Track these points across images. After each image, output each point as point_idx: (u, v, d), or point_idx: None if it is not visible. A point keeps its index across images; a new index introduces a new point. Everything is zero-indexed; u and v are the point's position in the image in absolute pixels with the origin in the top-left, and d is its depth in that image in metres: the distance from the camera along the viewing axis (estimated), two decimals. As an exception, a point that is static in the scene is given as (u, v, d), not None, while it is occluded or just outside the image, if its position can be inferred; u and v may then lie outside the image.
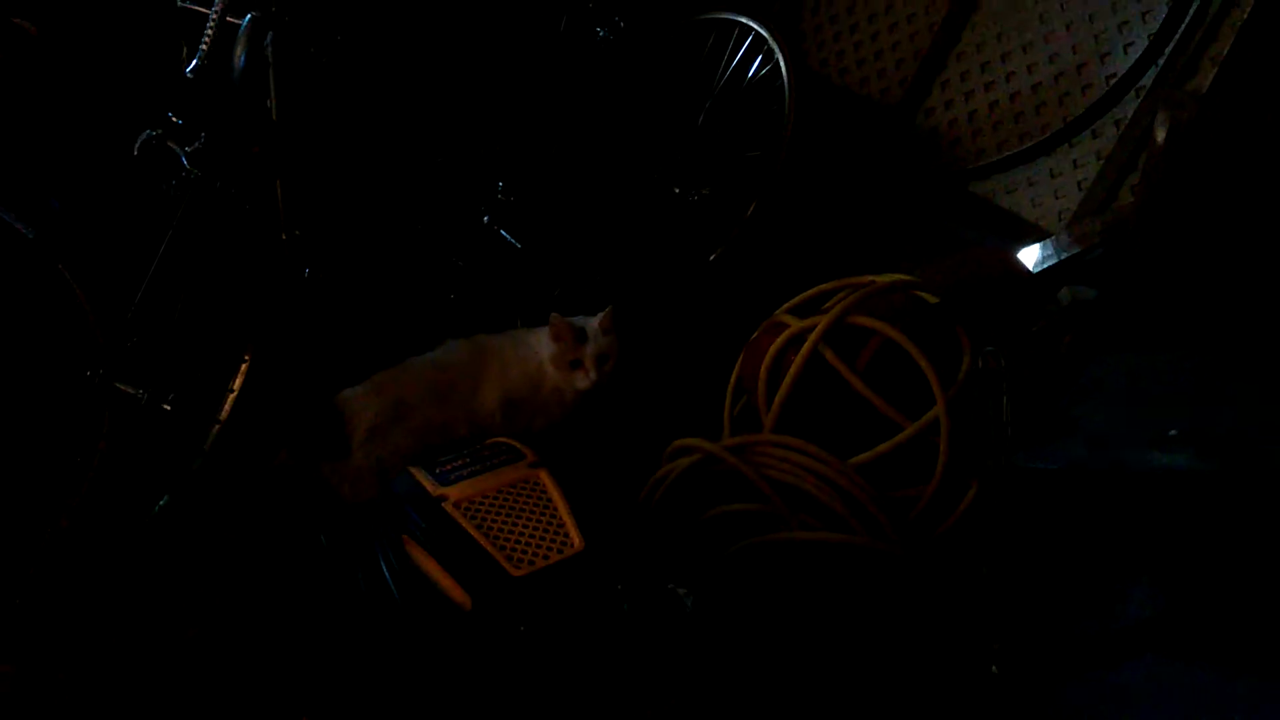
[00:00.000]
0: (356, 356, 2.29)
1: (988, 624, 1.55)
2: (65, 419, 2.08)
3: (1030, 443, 1.54)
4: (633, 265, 2.73)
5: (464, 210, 2.61)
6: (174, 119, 1.95)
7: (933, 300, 2.09)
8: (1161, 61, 2.80)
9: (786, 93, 2.67)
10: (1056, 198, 2.96)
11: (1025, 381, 1.98)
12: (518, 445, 1.68)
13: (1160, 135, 2.62)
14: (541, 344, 2.07)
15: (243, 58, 1.89)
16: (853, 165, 3.17)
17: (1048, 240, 2.72)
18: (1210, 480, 1.34)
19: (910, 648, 1.67)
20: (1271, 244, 2.08)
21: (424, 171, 2.62)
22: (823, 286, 2.18)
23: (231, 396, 2.26)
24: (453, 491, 1.54)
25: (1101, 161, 2.88)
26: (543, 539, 1.50)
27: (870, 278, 2.15)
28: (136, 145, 1.99)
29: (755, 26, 2.73)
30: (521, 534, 1.50)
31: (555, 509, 1.55)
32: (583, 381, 2.02)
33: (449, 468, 1.61)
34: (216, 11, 1.87)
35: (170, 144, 1.96)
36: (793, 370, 2.01)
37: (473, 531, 1.48)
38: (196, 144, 1.96)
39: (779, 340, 2.06)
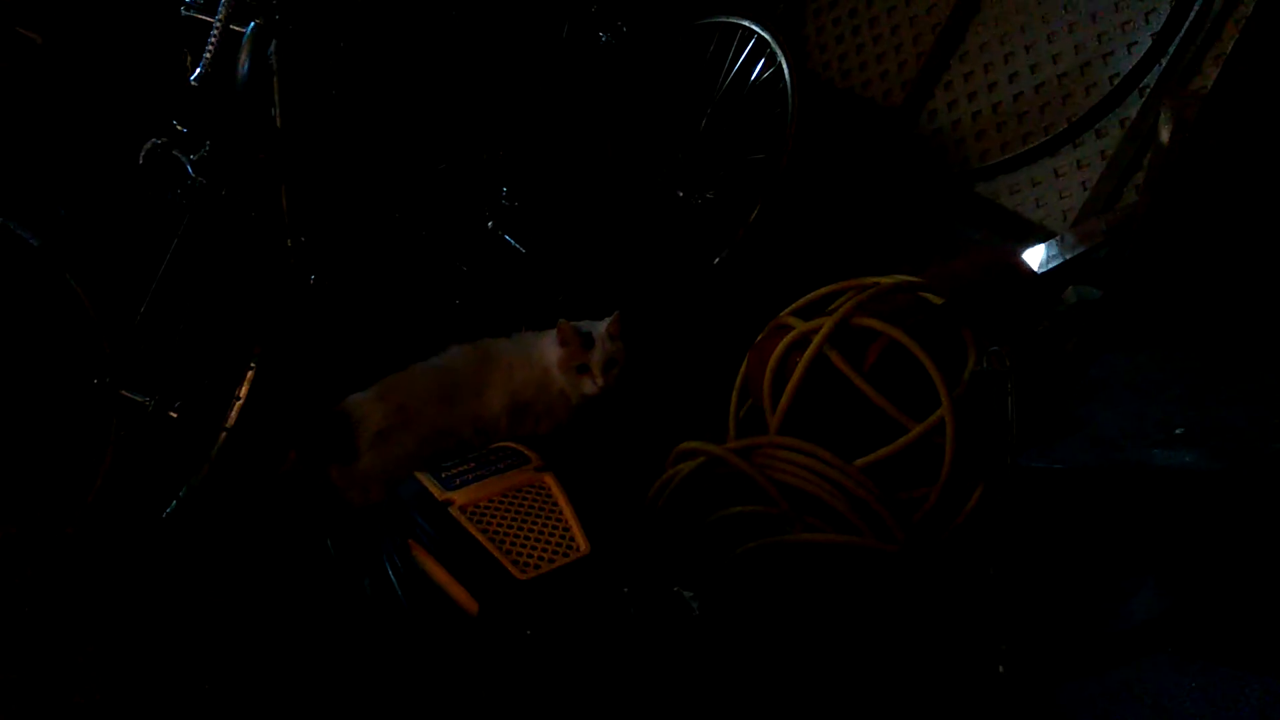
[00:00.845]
0: (363, 362, 2.30)
1: (995, 625, 1.55)
2: (73, 427, 2.09)
3: (1036, 443, 1.53)
4: (637, 269, 2.73)
5: (468, 215, 2.61)
6: (179, 127, 1.96)
7: (937, 301, 2.09)
8: (1165, 60, 2.80)
9: (789, 96, 2.68)
10: (1061, 197, 2.95)
11: (1031, 382, 1.98)
12: (523, 449, 1.69)
13: (1165, 134, 2.61)
14: (548, 348, 2.07)
15: (246, 65, 1.90)
16: (856, 167, 3.17)
17: (1052, 240, 2.72)
18: (1216, 479, 1.33)
19: (917, 649, 1.66)
20: (1276, 242, 2.07)
21: (428, 177, 2.63)
22: (827, 288, 2.18)
23: (238, 404, 2.27)
24: (458, 496, 1.54)
25: (1106, 161, 2.87)
26: (548, 543, 1.50)
27: (874, 279, 2.15)
28: (142, 154, 2.00)
29: (758, 30, 2.73)
30: (527, 538, 1.50)
31: (561, 513, 1.55)
32: (590, 387, 2.02)
33: (454, 472, 1.61)
34: (220, 20, 1.88)
35: (175, 152, 1.97)
36: (797, 373, 2.01)
37: (479, 536, 1.48)
38: (201, 152, 1.96)
39: (783, 343, 2.06)
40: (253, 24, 1.95)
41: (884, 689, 1.63)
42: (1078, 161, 2.93)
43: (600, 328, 2.05)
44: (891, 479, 1.95)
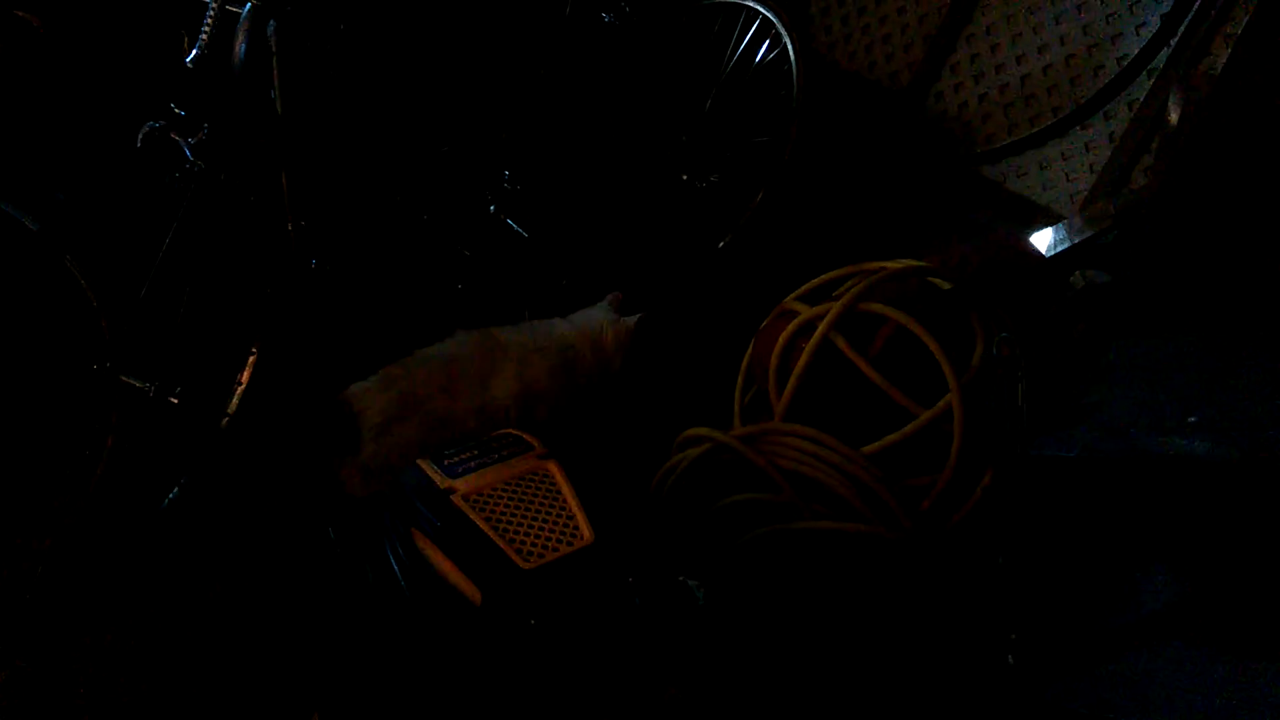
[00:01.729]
0: (365, 347, 2.28)
1: (1004, 614, 1.53)
2: (73, 413, 2.07)
3: (1046, 430, 1.51)
4: (641, 253, 2.71)
5: (470, 200, 2.58)
6: (177, 110, 1.93)
7: (945, 286, 2.06)
8: (1174, 42, 2.75)
9: (794, 77, 2.64)
10: (1068, 180, 2.92)
11: (1040, 367, 1.96)
12: (526, 437, 1.67)
13: (1174, 116, 2.59)
14: (598, 316, 2.12)
15: (243, 47, 1.87)
16: (862, 150, 3.14)
17: (1060, 224, 2.69)
18: (1229, 468, 1.31)
19: (925, 638, 1.65)
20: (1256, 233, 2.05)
21: (430, 161, 2.60)
22: (833, 273, 2.16)
23: (240, 389, 2.26)
24: (461, 484, 1.53)
25: (1114, 144, 2.84)
26: (552, 531, 1.49)
27: (881, 264, 2.12)
28: (140, 137, 1.97)
29: (763, 10, 2.69)
30: (531, 526, 1.49)
31: (565, 501, 1.53)
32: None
33: (457, 460, 1.59)
34: (216, 1, 1.85)
35: (174, 135, 1.94)
36: (803, 358, 1.99)
37: (481, 524, 1.46)
38: (200, 135, 1.94)
39: (789, 328, 2.04)
40: (249, 5, 1.92)
41: (891, 678, 1.61)
42: (1085, 144, 2.90)
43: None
44: (899, 466, 1.93)
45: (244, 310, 2.27)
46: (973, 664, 1.55)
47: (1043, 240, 2.66)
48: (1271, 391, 1.38)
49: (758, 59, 2.73)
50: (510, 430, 1.69)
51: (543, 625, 1.39)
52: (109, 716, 1.63)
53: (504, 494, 1.53)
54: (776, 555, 1.87)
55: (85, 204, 2.26)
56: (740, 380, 2.21)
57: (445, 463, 1.59)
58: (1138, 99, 2.81)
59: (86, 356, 2.04)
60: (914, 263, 2.12)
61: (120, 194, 2.26)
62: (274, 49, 2.18)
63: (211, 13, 1.86)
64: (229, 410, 2.24)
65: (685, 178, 2.78)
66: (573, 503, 1.53)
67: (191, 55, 1.84)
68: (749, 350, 2.19)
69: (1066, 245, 2.61)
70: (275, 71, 2.21)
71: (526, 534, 1.48)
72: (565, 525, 1.50)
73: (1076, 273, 2.57)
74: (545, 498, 1.54)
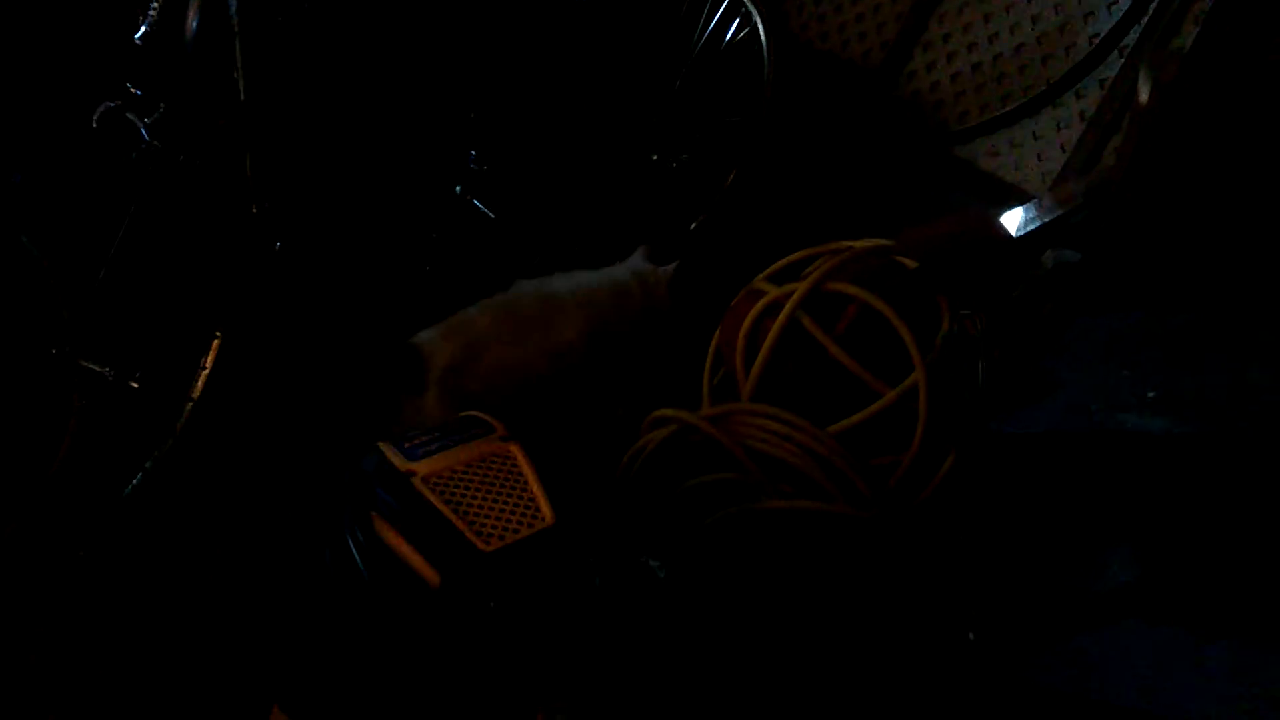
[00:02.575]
0: (334, 331, 2.27)
1: (966, 591, 1.54)
2: (33, 397, 2.05)
3: (1010, 407, 1.52)
4: (611, 234, 2.69)
5: (436, 181, 2.56)
6: (133, 89, 1.90)
7: (912, 265, 2.06)
8: (1145, 19, 2.75)
9: (765, 57, 2.63)
10: (1040, 160, 2.92)
11: (1006, 346, 1.96)
12: (488, 419, 1.65)
13: (1143, 95, 2.57)
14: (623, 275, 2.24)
15: (194, 23, 1.83)
16: (835, 130, 3.13)
17: (1030, 203, 2.69)
18: (1186, 443, 1.32)
19: (888, 615, 1.65)
20: (1253, 206, 2.05)
21: (396, 142, 2.57)
22: (801, 253, 2.15)
23: (204, 374, 2.24)
24: (421, 467, 1.51)
25: (1085, 123, 2.84)
26: (513, 513, 1.47)
27: (848, 243, 2.12)
28: (96, 116, 1.94)
29: (730, -13, 2.68)
30: (492, 509, 1.48)
31: (526, 483, 1.52)
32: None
33: (418, 442, 1.58)
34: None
35: (129, 115, 1.91)
36: (770, 338, 1.99)
37: (441, 507, 1.45)
38: (156, 115, 1.91)
39: (756, 308, 2.03)
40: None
41: (853, 655, 1.62)
42: (1057, 123, 2.90)
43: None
44: (866, 445, 1.93)
45: (207, 292, 2.24)
46: (935, 640, 1.55)
47: (1013, 219, 2.65)
48: (1230, 369, 1.38)
49: (728, 38, 2.71)
50: (473, 412, 1.68)
51: (502, 607, 1.38)
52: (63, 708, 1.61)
53: (465, 476, 1.52)
54: (743, 535, 1.87)
55: (42, 185, 2.23)
56: (709, 360, 2.20)
57: (406, 445, 1.57)
58: (1109, 77, 2.81)
59: (45, 340, 2.01)
60: (881, 242, 2.12)
61: (78, 175, 2.22)
62: (236, 29, 2.15)
63: (162, -14, 1.82)
64: (193, 394, 2.22)
65: (656, 157, 2.76)
66: (534, 485, 1.52)
67: (140, 32, 1.80)
68: (717, 330, 2.18)
69: (1036, 224, 2.60)
70: (238, 52, 2.18)
71: (487, 516, 1.47)
72: (526, 507, 1.49)
73: (1047, 251, 2.57)
74: (507, 480, 1.53)
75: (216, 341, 2.24)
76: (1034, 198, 2.75)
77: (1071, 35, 2.89)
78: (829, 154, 3.06)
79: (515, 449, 1.58)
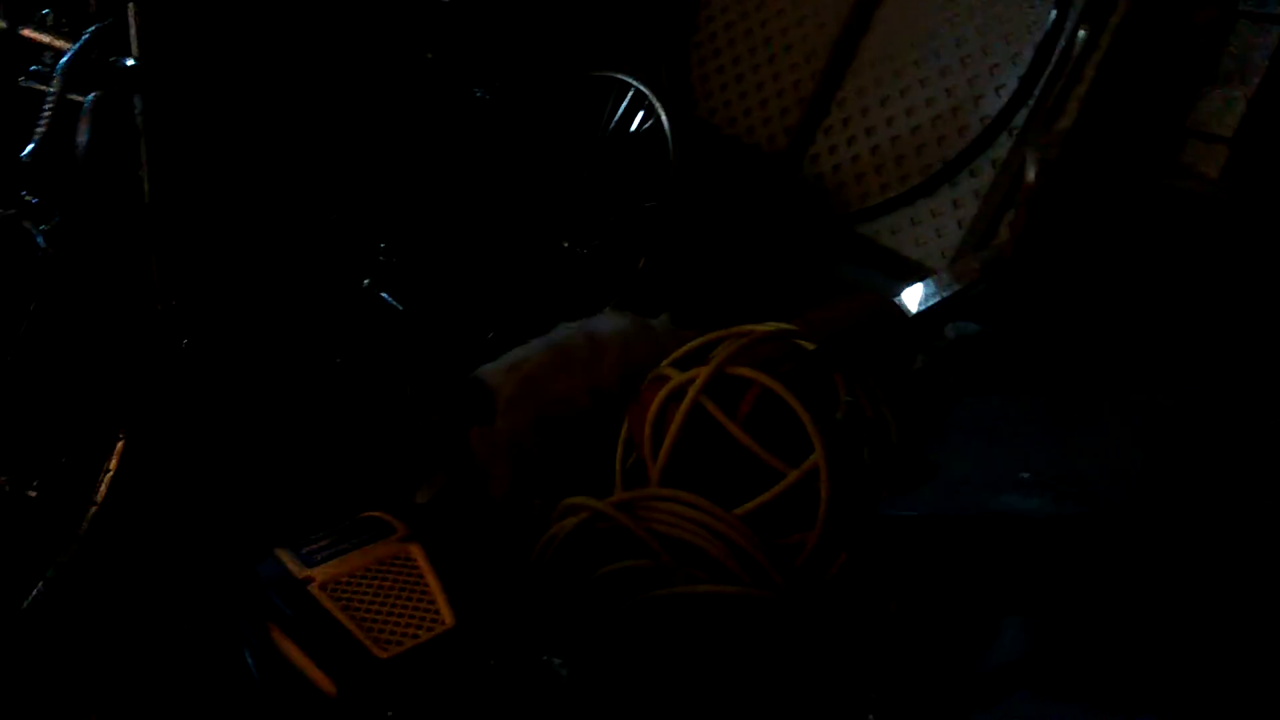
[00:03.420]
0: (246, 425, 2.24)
1: (865, 672, 1.56)
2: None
3: (897, 488, 1.56)
4: (524, 322, 2.72)
5: (345, 274, 2.57)
6: (28, 198, 1.90)
7: (811, 347, 2.12)
8: (1032, 102, 2.91)
9: (669, 146, 2.71)
10: (939, 236, 3.03)
11: (903, 424, 2.02)
12: (390, 519, 1.65)
13: (1030, 174, 2.72)
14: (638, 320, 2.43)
15: (85, 137, 1.84)
16: (744, 212, 3.22)
17: (931, 278, 2.79)
18: (1061, 523, 1.37)
19: (792, 699, 1.67)
20: (1122, 283, 2.16)
21: (304, 235, 2.59)
22: (705, 337, 2.20)
23: (108, 476, 2.19)
24: (318, 573, 1.50)
25: (980, 200, 2.97)
26: (412, 617, 1.47)
27: (751, 327, 2.17)
28: (-12, 226, 1.93)
29: (634, 83, 2.77)
30: (390, 613, 1.47)
31: (426, 585, 1.52)
32: None
33: (316, 547, 1.57)
34: (54, 92, 1.82)
35: (25, 223, 1.90)
36: (675, 423, 2.02)
37: (338, 614, 1.44)
38: (53, 223, 1.90)
39: (661, 394, 2.07)
40: (92, 95, 1.88)
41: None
42: (954, 201, 3.03)
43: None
44: (772, 526, 1.96)
45: (110, 394, 2.21)
46: (836, 724, 1.57)
47: (914, 295, 2.75)
48: (1099, 447, 1.45)
49: (634, 128, 2.80)
50: (374, 513, 1.67)
51: (399, 715, 1.36)
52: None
53: (363, 581, 1.51)
54: (654, 622, 1.87)
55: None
56: (620, 446, 2.22)
57: (304, 550, 1.56)
58: (1000, 157, 2.95)
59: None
60: (782, 325, 2.18)
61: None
62: (141, 129, 2.16)
63: (50, 104, 1.82)
64: (96, 499, 2.17)
65: (566, 245, 2.81)
66: (434, 586, 1.52)
67: (28, 150, 1.80)
68: (627, 416, 2.21)
69: (936, 299, 2.70)
70: (143, 153, 2.19)
71: (385, 621, 1.46)
72: (426, 610, 1.48)
73: (949, 325, 2.66)
74: (406, 582, 1.52)
75: (120, 443, 2.20)
76: (935, 273, 2.86)
77: (964, 118, 3.04)
78: (738, 236, 3.15)
79: (416, 550, 1.57)
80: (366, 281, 2.53)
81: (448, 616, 1.48)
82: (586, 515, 2.01)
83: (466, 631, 1.46)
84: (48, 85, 1.84)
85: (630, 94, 2.78)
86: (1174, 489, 1.33)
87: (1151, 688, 1.35)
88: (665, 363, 2.20)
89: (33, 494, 2.02)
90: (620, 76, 2.79)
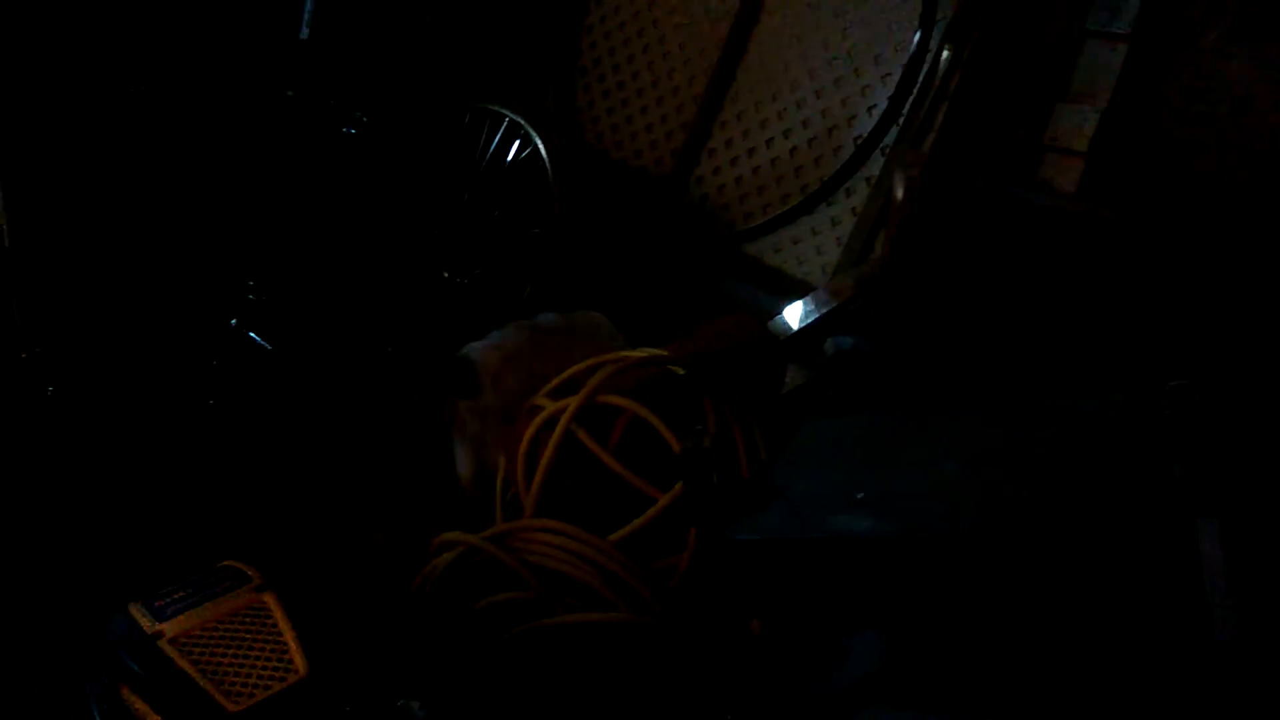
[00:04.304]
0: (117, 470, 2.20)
1: (727, 692, 1.60)
2: None
3: (743, 512, 1.60)
4: (403, 354, 2.71)
5: (212, 314, 2.54)
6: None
7: (682, 372, 2.16)
8: (901, 121, 3.00)
9: (549, 174, 2.74)
10: (819, 254, 3.11)
11: (765, 449, 2.07)
12: (245, 569, 1.63)
13: (898, 193, 2.80)
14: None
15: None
16: (631, 236, 3.26)
17: (810, 295, 2.85)
18: (887, 543, 1.42)
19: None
20: (979, 297, 2.24)
21: (168, 279, 2.55)
22: (579, 366, 2.22)
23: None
24: (170, 627, 1.48)
25: (856, 217, 3.05)
26: (265, 668, 1.45)
27: (624, 354, 2.21)
28: None
29: (509, 114, 2.79)
30: (243, 665, 1.45)
31: (280, 634, 1.51)
32: None
33: (169, 600, 1.54)
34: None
35: None
36: (547, 453, 2.04)
37: (188, 669, 1.42)
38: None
39: (534, 424, 2.09)
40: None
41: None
42: (832, 219, 3.11)
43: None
44: (647, 550, 1.99)
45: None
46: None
47: (795, 312, 2.81)
48: (924, 465, 1.51)
49: (512, 158, 2.81)
50: (230, 562, 1.65)
51: (249, 768, 1.35)
52: None
53: (216, 632, 1.49)
54: (528, 654, 1.88)
55: None
56: (499, 478, 2.23)
57: (156, 604, 1.53)
58: (874, 175, 3.04)
59: None
60: (654, 351, 2.22)
61: None
62: (-3, 176, 2.12)
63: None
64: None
65: (446, 275, 2.81)
66: (288, 635, 1.50)
67: None
68: (503, 447, 2.22)
69: (815, 316, 2.76)
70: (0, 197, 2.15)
71: (238, 674, 1.44)
72: (279, 660, 1.47)
73: (828, 340, 2.73)
74: (260, 633, 1.51)
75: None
76: (816, 289, 2.93)
77: (839, 137, 3.13)
78: (627, 259, 3.18)
79: (270, 598, 1.56)
80: (234, 321, 2.50)
81: (300, 665, 1.47)
82: (462, 550, 2.01)
83: (319, 680, 1.45)
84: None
85: (505, 124, 2.80)
86: (987, 503, 1.39)
87: (983, 692, 1.41)
88: (540, 393, 2.22)
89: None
90: (494, 108, 2.80)
